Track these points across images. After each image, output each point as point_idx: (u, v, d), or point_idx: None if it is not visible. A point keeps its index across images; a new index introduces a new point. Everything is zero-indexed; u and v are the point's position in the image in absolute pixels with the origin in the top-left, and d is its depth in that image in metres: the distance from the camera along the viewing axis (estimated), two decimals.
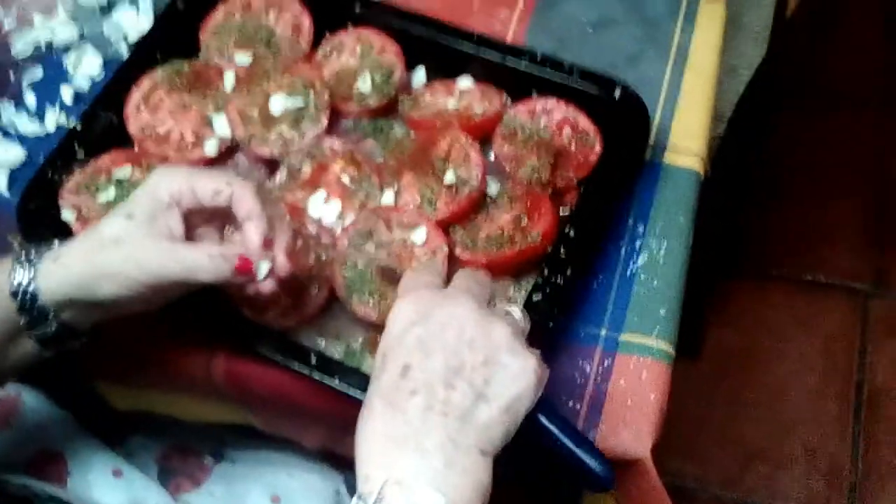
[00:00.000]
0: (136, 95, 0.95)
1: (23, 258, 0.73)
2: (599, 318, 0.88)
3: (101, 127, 0.94)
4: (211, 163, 0.94)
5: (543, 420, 0.68)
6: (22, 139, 1.00)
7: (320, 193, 0.90)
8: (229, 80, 0.97)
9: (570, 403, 0.83)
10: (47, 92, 1.03)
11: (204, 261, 0.73)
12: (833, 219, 1.91)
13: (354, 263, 0.86)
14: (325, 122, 0.93)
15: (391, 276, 0.81)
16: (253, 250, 0.75)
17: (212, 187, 0.75)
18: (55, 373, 0.87)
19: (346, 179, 0.91)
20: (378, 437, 0.62)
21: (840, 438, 1.69)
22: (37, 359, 0.77)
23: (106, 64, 1.05)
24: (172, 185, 0.75)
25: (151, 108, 0.95)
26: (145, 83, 0.96)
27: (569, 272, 0.84)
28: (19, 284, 0.72)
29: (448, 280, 0.71)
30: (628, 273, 0.89)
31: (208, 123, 0.95)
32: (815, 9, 1.89)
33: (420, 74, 0.99)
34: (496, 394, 0.63)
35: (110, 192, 0.90)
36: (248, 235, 0.76)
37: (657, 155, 0.96)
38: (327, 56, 0.99)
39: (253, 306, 0.83)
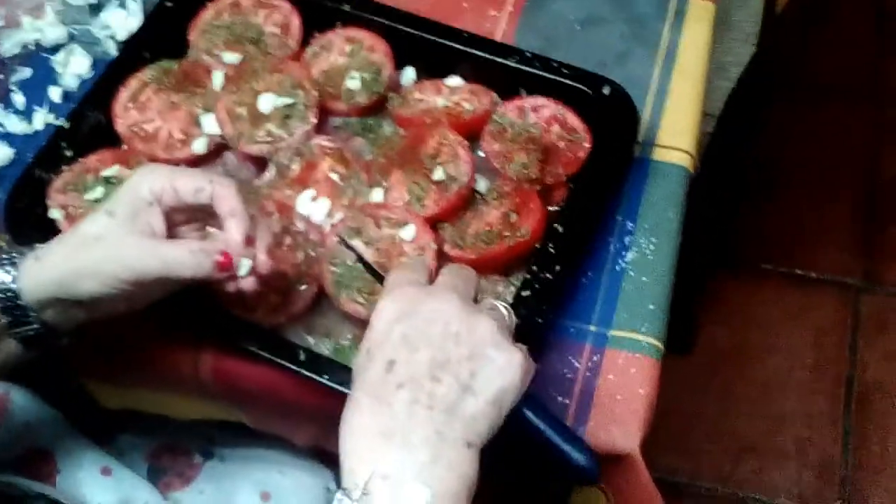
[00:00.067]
0: (124, 94, 0.95)
1: (4, 257, 0.73)
2: (588, 314, 0.88)
3: (89, 126, 0.94)
4: (199, 161, 0.94)
5: (528, 413, 0.68)
6: (10, 138, 1.00)
7: (309, 191, 0.90)
8: (218, 78, 0.97)
9: (560, 399, 0.84)
10: (35, 91, 1.03)
11: (185, 256, 0.73)
12: (824, 214, 1.92)
13: (343, 260, 0.86)
14: (313, 120, 0.93)
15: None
16: (234, 247, 0.76)
17: (193, 185, 0.76)
18: (44, 371, 0.87)
19: (334, 177, 0.91)
20: (364, 431, 0.62)
21: (831, 433, 1.70)
22: (20, 359, 0.77)
23: (94, 63, 1.05)
24: (154, 182, 0.75)
25: (139, 106, 0.95)
26: (133, 82, 0.96)
27: (558, 268, 0.84)
28: (1, 283, 0.72)
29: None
30: (617, 269, 0.90)
31: (196, 122, 0.95)
32: (805, 3, 1.90)
33: (409, 73, 0.99)
34: (482, 387, 0.63)
35: (98, 191, 0.90)
36: (229, 232, 0.76)
37: (646, 152, 0.96)
38: (316, 55, 0.99)
39: (241, 304, 0.83)
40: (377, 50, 0.98)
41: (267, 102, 0.93)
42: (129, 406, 0.96)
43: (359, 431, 0.62)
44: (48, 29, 1.06)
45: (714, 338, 1.79)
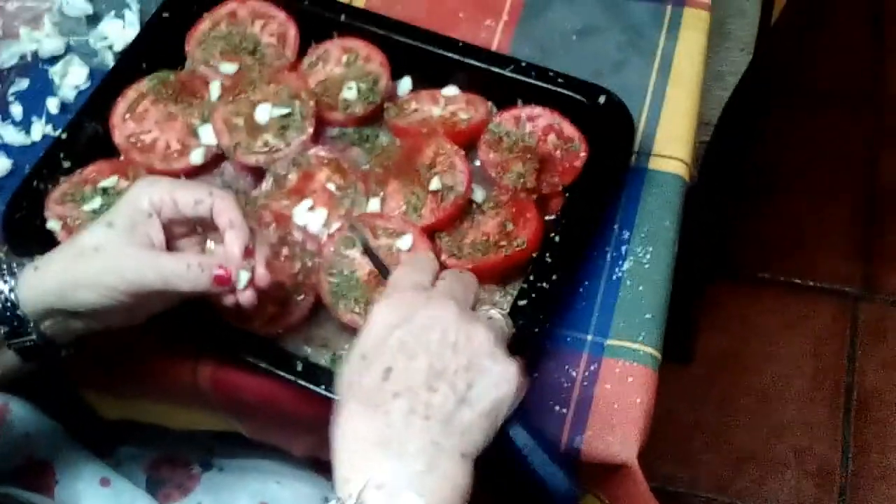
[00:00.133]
0: (121, 105, 0.95)
1: (3, 267, 0.74)
2: (585, 323, 0.88)
3: (86, 137, 0.94)
4: (197, 172, 0.94)
5: (510, 433, 0.67)
6: (8, 149, 1.00)
7: (306, 201, 0.90)
8: (215, 89, 0.97)
9: (557, 408, 0.83)
10: (33, 102, 1.03)
11: (182, 270, 0.73)
12: (822, 222, 1.92)
13: (340, 270, 0.86)
14: (310, 130, 0.93)
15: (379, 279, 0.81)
16: (233, 259, 0.76)
17: (193, 197, 0.76)
18: (43, 382, 0.87)
19: (331, 187, 0.91)
20: (358, 439, 0.62)
21: (830, 441, 1.69)
22: (19, 371, 0.77)
23: (92, 74, 1.05)
24: (154, 194, 0.75)
25: (137, 117, 0.95)
26: (131, 93, 0.96)
27: (554, 277, 0.84)
28: (0, 293, 0.73)
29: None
30: (614, 278, 0.90)
31: (194, 133, 0.95)
32: (802, 9, 1.90)
33: (406, 83, 0.99)
34: (478, 397, 0.63)
35: (96, 202, 0.90)
36: (229, 244, 0.76)
37: (642, 161, 0.96)
38: (313, 65, 0.99)
39: (238, 315, 0.83)
40: (373, 60, 0.98)
41: (264, 113, 0.93)
42: (128, 417, 0.96)
43: (353, 439, 0.62)
44: (46, 40, 1.07)
45: (712, 346, 1.79)
